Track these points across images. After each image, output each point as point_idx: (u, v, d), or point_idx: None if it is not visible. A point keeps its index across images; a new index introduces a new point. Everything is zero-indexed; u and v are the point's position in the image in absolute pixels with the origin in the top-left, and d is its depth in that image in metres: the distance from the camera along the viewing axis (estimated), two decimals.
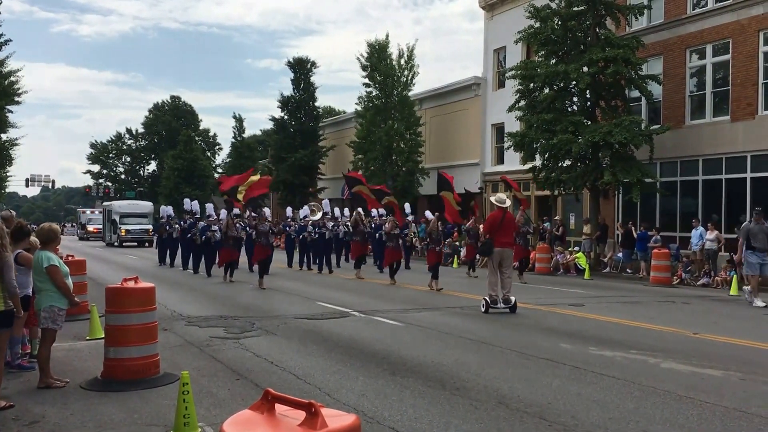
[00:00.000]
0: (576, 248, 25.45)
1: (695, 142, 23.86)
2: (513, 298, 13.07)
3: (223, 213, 21.71)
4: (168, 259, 25.28)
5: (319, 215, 24.66)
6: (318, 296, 15.57)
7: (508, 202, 13.88)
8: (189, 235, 22.95)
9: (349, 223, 25.28)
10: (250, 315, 12.59)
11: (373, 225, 25.25)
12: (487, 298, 13.12)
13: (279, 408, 2.84)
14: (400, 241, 20.66)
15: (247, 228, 21.54)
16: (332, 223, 24.71)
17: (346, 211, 27.81)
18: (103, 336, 8.12)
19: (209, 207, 23.28)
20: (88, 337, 10.03)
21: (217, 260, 20.36)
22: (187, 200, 26.17)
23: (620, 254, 24.16)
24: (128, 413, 6.33)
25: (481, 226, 18.32)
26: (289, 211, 28.13)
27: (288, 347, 9.49)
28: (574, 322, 12.01)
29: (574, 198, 26.62)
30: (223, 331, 10.68)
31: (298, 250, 25.31)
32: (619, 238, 25.10)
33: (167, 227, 25.55)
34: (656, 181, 23.85)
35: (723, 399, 6.77)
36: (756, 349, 9.65)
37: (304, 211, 26.14)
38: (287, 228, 25.90)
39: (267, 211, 21.64)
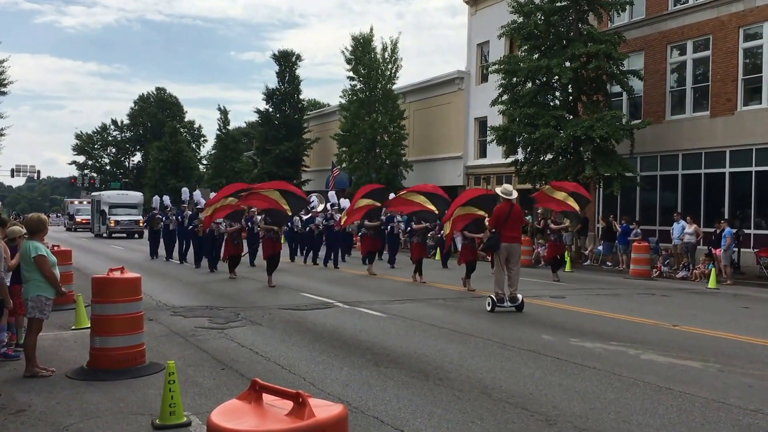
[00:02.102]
0: None
1: (675, 137, 24.13)
2: (520, 297, 12.31)
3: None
4: (163, 252, 23.83)
5: (320, 207, 23.41)
6: (302, 287, 15.60)
7: (515, 194, 12.89)
8: (190, 226, 21.32)
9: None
10: (235, 305, 12.61)
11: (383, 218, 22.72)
12: (493, 296, 12.35)
13: (266, 398, 2.84)
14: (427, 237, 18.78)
15: (249, 222, 20.24)
16: (339, 216, 22.95)
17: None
18: (89, 325, 8.12)
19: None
20: (73, 327, 10.03)
21: (221, 254, 18.87)
22: (185, 190, 24.85)
23: (600, 247, 24.39)
24: (114, 402, 6.35)
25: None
26: None
27: (272, 337, 9.54)
28: (555, 314, 12.13)
29: None
30: (208, 322, 10.71)
31: (300, 243, 24.17)
32: (600, 231, 25.34)
33: (162, 218, 24.04)
34: (636, 176, 24.11)
35: (702, 390, 6.90)
36: (734, 341, 9.82)
37: (313, 202, 24.19)
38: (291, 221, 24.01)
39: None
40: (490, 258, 16.57)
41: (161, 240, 24.36)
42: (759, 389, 7.03)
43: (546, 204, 18.44)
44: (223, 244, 18.68)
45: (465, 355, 8.47)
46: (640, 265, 20.37)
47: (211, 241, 19.84)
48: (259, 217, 19.50)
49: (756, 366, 8.09)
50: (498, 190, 13.24)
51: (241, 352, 8.55)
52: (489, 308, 12.29)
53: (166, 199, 25.55)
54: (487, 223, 12.73)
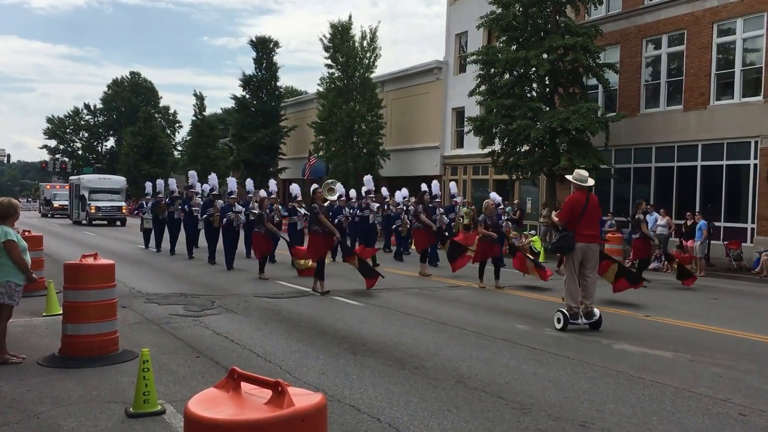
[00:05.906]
0: (532, 231, 25.81)
1: (649, 130, 24.38)
2: (597, 312, 9.80)
3: (232, 183, 18.62)
4: (168, 245, 20.72)
5: (335, 196, 20.11)
6: (278, 275, 15.53)
7: (591, 181, 10.50)
8: (205, 215, 18.52)
9: (394, 206, 21.50)
10: (210, 293, 12.53)
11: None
12: (565, 311, 9.78)
13: (245, 386, 2.82)
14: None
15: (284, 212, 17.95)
16: (377, 204, 20.93)
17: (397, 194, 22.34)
18: (61, 312, 8.02)
19: (231, 182, 19.12)
20: (44, 314, 9.87)
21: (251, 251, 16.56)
22: (192, 173, 21.72)
23: None
24: (87, 390, 6.28)
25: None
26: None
27: (248, 326, 9.50)
28: (530, 305, 12.23)
29: (531, 183, 26.99)
30: (183, 309, 10.63)
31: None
32: None
33: (168, 204, 20.86)
34: (611, 168, 24.34)
35: (673, 379, 7.01)
36: (704, 331, 9.98)
37: (338, 189, 20.68)
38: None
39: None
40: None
41: (165, 230, 21.12)
42: (728, 379, 7.15)
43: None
44: (253, 238, 16.20)
45: (441, 344, 8.51)
46: (613, 256, 20.52)
47: (228, 233, 17.36)
48: (280, 207, 17.92)
49: (725, 356, 8.23)
50: (570, 177, 10.74)
51: (217, 339, 8.50)
52: (560, 326, 9.70)
53: (173, 182, 22.14)
54: (556, 218, 10.70)
